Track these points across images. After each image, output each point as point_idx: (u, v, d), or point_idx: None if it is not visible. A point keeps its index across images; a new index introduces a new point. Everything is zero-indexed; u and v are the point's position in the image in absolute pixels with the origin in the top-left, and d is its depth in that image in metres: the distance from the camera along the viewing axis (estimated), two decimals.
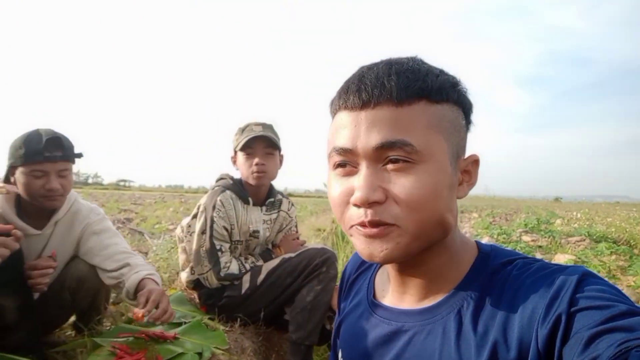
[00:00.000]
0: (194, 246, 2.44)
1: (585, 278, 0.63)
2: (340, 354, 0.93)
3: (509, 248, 0.84)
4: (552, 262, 0.73)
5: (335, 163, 0.74)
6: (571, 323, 0.58)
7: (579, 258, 5.18)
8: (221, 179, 2.61)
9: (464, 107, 0.75)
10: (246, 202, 2.50)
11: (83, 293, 2.01)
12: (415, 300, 0.79)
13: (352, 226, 0.72)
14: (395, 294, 0.83)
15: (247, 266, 2.39)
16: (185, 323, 2.16)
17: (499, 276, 0.72)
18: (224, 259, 2.37)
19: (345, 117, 0.72)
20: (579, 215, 13.23)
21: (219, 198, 2.44)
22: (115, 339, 1.81)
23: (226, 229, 2.42)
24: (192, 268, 2.50)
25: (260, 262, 2.44)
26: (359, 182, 0.69)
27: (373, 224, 0.68)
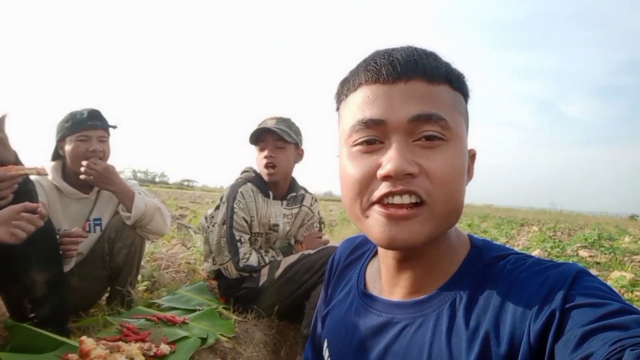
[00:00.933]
0: (215, 237, 2.51)
1: (579, 275, 0.62)
2: (325, 345, 0.92)
3: (500, 243, 0.81)
4: (549, 259, 0.71)
5: (357, 139, 0.71)
6: (565, 320, 0.57)
7: (639, 276, 4.78)
8: (245, 171, 2.69)
9: (467, 101, 0.76)
10: (267, 196, 2.55)
11: (120, 243, 2.27)
12: (407, 292, 0.78)
13: (374, 203, 0.69)
14: (386, 285, 0.82)
15: (267, 259, 2.43)
16: (199, 310, 2.23)
17: (491, 270, 0.71)
18: (243, 249, 2.43)
19: (373, 90, 0.70)
20: None
21: (240, 190, 2.51)
22: (126, 320, 1.91)
23: (245, 220, 2.48)
24: (214, 258, 2.58)
25: (280, 257, 2.47)
26: (391, 154, 0.66)
27: (404, 192, 0.66)
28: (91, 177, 2.10)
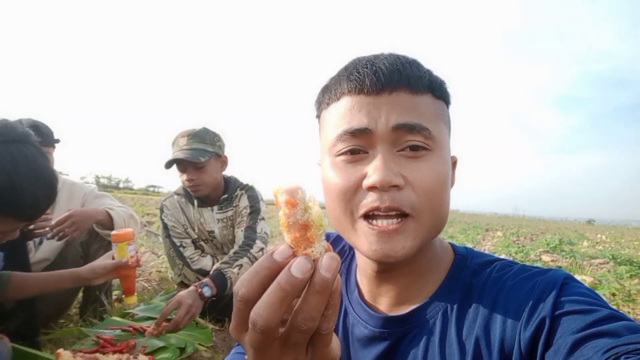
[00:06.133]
0: (165, 251, 2.60)
1: (567, 282, 0.63)
2: None
3: (482, 250, 0.81)
4: (533, 264, 0.72)
5: (341, 149, 0.70)
6: (555, 327, 0.57)
7: (598, 280, 5.00)
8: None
9: (448, 107, 0.76)
10: (194, 205, 2.59)
11: (97, 245, 2.25)
12: (393, 303, 0.77)
13: (362, 216, 0.67)
14: (369, 294, 0.81)
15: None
16: None
17: (478, 278, 0.71)
18: (187, 252, 2.50)
19: (358, 100, 0.68)
20: (604, 237, 12.77)
21: (164, 203, 2.61)
22: (101, 331, 1.87)
23: (178, 228, 2.55)
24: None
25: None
26: (377, 164, 0.65)
27: (390, 209, 0.64)
28: (69, 235, 2.02)
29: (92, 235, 2.25)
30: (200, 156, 2.38)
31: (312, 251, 0.44)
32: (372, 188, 0.65)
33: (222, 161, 2.58)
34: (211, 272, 2.21)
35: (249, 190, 2.63)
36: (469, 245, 0.82)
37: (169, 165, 2.44)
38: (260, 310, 0.43)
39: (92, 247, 2.26)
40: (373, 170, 0.65)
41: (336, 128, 0.70)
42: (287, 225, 0.45)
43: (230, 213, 2.61)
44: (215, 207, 2.58)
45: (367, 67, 0.68)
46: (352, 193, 0.68)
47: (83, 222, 2.05)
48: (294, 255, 0.44)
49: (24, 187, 1.25)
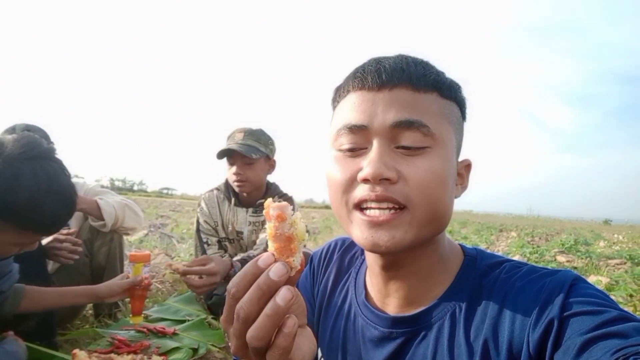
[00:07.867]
0: (194, 243, 2.63)
1: (576, 283, 0.63)
2: (319, 354, 0.90)
3: (492, 251, 0.81)
4: (543, 266, 0.72)
5: (341, 145, 0.72)
6: (563, 328, 0.57)
7: (615, 281, 4.92)
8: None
9: (463, 111, 0.77)
10: (233, 203, 2.62)
11: (99, 242, 2.27)
12: (401, 303, 0.77)
13: (356, 205, 0.70)
14: (378, 294, 0.81)
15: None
16: (188, 321, 2.22)
17: (487, 279, 0.72)
18: (210, 251, 2.52)
19: (359, 96, 0.71)
20: (621, 237, 12.56)
21: (202, 197, 2.65)
22: (116, 331, 1.90)
23: (209, 224, 2.58)
24: None
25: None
26: (371, 157, 0.67)
27: (382, 199, 0.66)
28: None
29: (94, 233, 2.27)
30: (252, 152, 2.45)
31: (293, 260, 0.53)
32: (365, 180, 0.67)
33: (271, 164, 2.63)
34: (241, 257, 2.24)
35: (287, 200, 2.61)
36: (481, 247, 0.82)
37: (221, 155, 2.51)
38: (242, 304, 0.51)
39: (96, 244, 2.29)
40: (367, 164, 0.67)
41: (338, 122, 0.73)
42: (274, 235, 0.53)
43: (262, 218, 2.63)
44: (250, 210, 2.62)
45: (372, 65, 0.71)
46: (348, 185, 0.70)
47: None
48: (275, 261, 0.52)
49: (45, 204, 1.28)
